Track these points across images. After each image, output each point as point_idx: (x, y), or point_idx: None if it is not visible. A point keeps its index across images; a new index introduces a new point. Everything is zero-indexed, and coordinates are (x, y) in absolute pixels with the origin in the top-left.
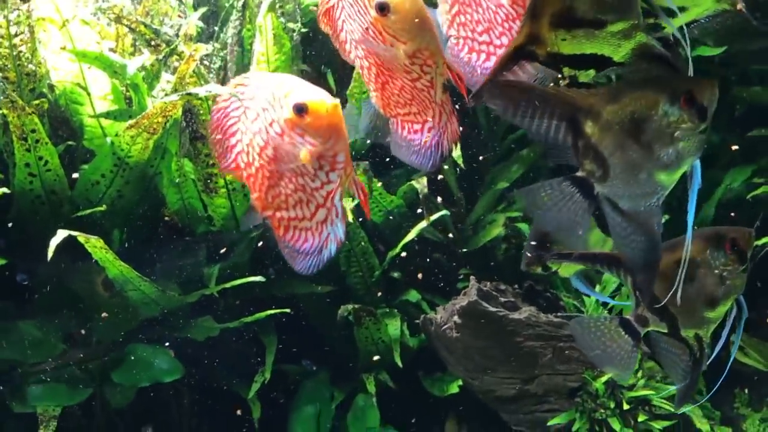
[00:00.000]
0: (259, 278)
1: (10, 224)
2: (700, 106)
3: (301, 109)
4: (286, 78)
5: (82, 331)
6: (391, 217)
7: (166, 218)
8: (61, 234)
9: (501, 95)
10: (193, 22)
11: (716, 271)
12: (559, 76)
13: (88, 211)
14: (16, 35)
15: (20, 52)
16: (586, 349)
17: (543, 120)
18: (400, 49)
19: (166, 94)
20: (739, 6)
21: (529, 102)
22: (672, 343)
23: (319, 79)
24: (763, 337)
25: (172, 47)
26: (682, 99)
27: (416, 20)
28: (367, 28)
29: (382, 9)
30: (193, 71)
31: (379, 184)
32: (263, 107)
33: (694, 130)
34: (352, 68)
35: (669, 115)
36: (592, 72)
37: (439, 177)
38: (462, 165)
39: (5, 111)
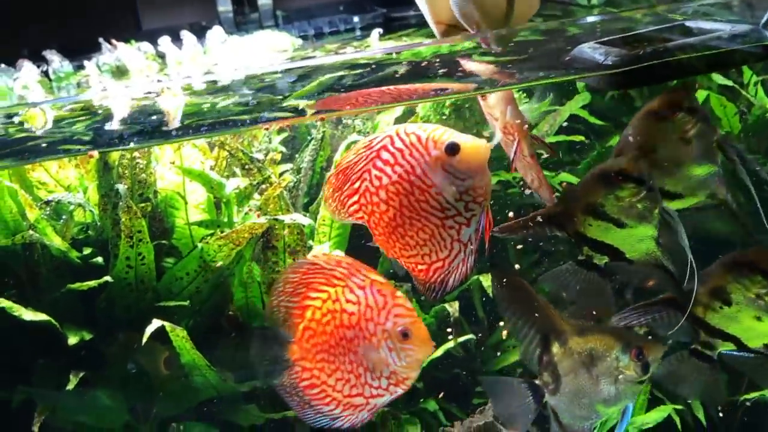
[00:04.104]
0: None
1: (101, 305)
2: (645, 362)
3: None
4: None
5: (145, 404)
6: None
7: (230, 312)
8: (156, 323)
9: (503, 291)
10: (277, 147)
11: None
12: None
13: (172, 303)
14: (135, 149)
15: (137, 163)
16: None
17: (525, 326)
18: (452, 187)
19: (251, 210)
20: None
21: (523, 306)
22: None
23: None
24: None
25: (265, 177)
26: (633, 351)
27: (483, 158)
28: (413, 168)
29: (453, 149)
30: None
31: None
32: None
33: (634, 379)
34: None
35: (619, 360)
36: (606, 258)
37: None
38: None
39: (121, 213)
